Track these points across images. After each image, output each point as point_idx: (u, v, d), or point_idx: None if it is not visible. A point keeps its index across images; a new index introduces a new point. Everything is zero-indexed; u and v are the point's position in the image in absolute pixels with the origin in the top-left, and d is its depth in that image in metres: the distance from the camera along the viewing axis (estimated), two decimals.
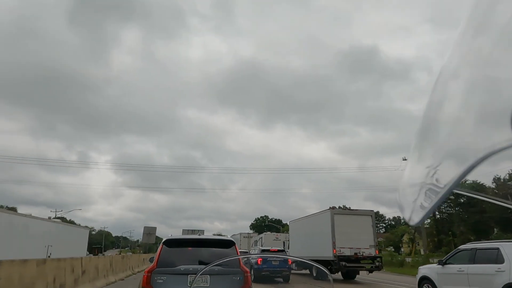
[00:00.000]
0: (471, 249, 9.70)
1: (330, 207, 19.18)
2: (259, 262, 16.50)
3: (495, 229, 53.56)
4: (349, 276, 19.81)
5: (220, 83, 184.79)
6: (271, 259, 17.20)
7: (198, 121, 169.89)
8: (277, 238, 31.99)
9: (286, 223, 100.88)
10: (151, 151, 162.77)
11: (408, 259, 29.41)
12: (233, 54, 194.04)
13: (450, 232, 50.24)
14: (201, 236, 7.45)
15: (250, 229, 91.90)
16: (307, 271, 24.35)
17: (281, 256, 21.57)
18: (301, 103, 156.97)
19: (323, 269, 2.37)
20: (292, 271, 24.52)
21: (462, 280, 9.33)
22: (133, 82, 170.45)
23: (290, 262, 18.36)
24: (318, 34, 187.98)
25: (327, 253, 18.44)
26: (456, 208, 53.80)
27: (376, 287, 16.55)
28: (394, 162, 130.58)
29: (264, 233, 35.29)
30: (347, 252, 18.17)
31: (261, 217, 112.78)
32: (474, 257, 9.31)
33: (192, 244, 6.52)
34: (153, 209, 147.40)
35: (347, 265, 17.72)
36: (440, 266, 10.29)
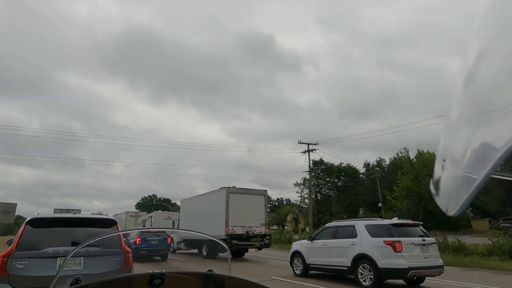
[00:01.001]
0: (334, 226, 11.15)
1: (223, 187, 18.48)
2: (137, 242, 16.72)
3: (360, 209, 61.05)
4: (238, 254, 19.54)
5: (108, 47, 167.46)
6: (150, 238, 17.54)
7: (80, 88, 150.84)
8: (169, 217, 30.22)
9: (176, 203, 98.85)
10: (15, 116, 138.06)
11: (296, 237, 31.07)
12: (125, 18, 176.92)
13: (328, 212, 55.27)
14: (76, 215, 6.64)
15: (136, 208, 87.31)
16: (196, 251, 23.54)
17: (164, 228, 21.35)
18: (196, 81, 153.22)
19: (221, 243, 2.23)
20: (181, 251, 23.46)
21: (325, 252, 10.65)
22: None
23: (169, 241, 19.03)
24: (219, 14, 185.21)
25: (220, 232, 17.73)
26: (335, 191, 59.37)
27: (258, 263, 16.53)
28: (282, 148, 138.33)
29: (155, 211, 33.13)
30: (239, 231, 17.76)
31: (148, 196, 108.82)
32: (336, 233, 10.68)
33: (64, 224, 5.88)
34: (16, 184, 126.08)
35: (238, 244, 17.34)
36: (309, 241, 11.50)
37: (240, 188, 18.68)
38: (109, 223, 6.16)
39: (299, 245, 12.22)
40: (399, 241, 9.03)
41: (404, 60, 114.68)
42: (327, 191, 60.52)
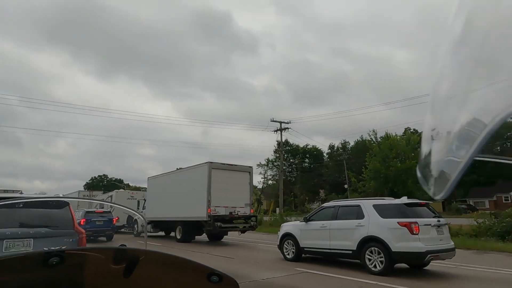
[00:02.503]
0: (334, 206, 10.08)
1: (205, 162, 16.11)
2: (81, 223, 16.22)
3: (321, 191, 61.35)
4: (216, 237, 17.52)
5: (48, 11, 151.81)
6: (95, 219, 18.10)
7: (14, 57, 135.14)
8: (132, 196, 27.29)
9: (128, 183, 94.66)
10: None
11: (266, 218, 29.65)
12: None
13: (292, 194, 54.65)
14: (23, 195, 6.74)
15: (84, 189, 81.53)
16: (162, 233, 21.13)
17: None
18: (147, 57, 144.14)
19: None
20: (149, 234, 20.89)
21: (324, 235, 9.66)
22: None
23: (114, 222, 19.47)
24: None
25: (200, 213, 15.50)
26: (299, 172, 58.78)
27: (238, 247, 14.66)
28: (234, 131, 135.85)
29: (115, 190, 29.98)
30: (222, 212, 15.64)
31: (98, 176, 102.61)
32: (336, 214, 9.68)
33: (10, 205, 5.33)
34: None
35: (222, 226, 15.21)
36: (303, 223, 10.48)
37: (224, 164, 16.43)
38: (60, 204, 5.80)
39: (291, 226, 11.08)
40: (416, 222, 8.18)
41: (355, 48, 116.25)
42: (291, 172, 59.76)
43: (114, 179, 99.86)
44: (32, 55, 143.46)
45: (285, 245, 10.80)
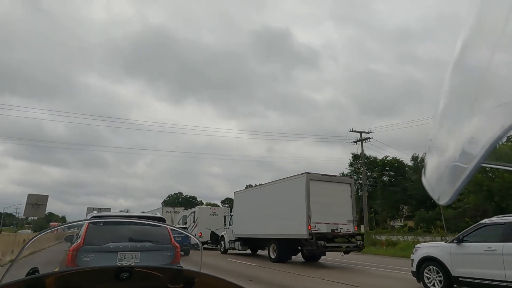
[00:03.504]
0: (504, 223, 7.67)
1: (302, 173, 14.63)
2: None
3: (404, 206, 56.17)
4: (313, 258, 15.81)
5: (126, 49, 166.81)
6: (174, 235, 16.67)
7: (100, 89, 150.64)
8: (214, 212, 26.88)
9: (201, 201, 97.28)
10: (42, 117, 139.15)
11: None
12: (141, 19, 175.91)
13: (372, 209, 50.79)
14: (129, 213, 7.78)
15: (162, 206, 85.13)
16: (249, 251, 19.98)
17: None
18: (212, 80, 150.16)
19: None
20: (234, 252, 19.94)
21: (492, 262, 7.32)
22: (12, 31, 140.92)
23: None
24: (231, 11, 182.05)
25: (298, 230, 13.99)
26: (378, 186, 54.74)
27: (347, 271, 12.60)
28: (299, 147, 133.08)
29: (198, 206, 29.92)
30: (323, 229, 13.96)
31: (174, 193, 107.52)
32: (510, 234, 7.34)
33: (120, 222, 6.11)
34: (46, 183, 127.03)
35: (326, 245, 13.48)
36: (453, 244, 8.30)
37: (322, 175, 14.84)
38: (159, 220, 6.31)
39: (433, 249, 8.85)
40: None
41: (425, 54, 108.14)
42: (370, 187, 55.82)
43: (188, 196, 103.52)
44: (113, 86, 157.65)
45: (426, 273, 8.69)
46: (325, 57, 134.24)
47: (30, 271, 1.43)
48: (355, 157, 57.73)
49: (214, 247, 26.20)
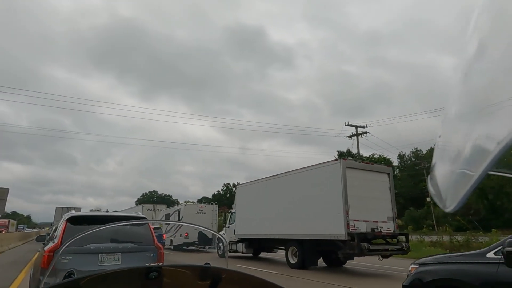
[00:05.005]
0: None
1: (336, 158, 12.01)
2: None
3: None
4: (338, 262, 13.26)
5: (92, 40, 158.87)
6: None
7: (67, 82, 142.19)
8: (201, 210, 23.93)
9: (176, 199, 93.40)
10: (2, 111, 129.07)
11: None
12: (109, 11, 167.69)
13: None
14: (110, 213, 7.19)
15: (136, 205, 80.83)
16: (251, 254, 17.19)
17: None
18: (185, 76, 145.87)
19: (221, 235, 2.15)
20: (235, 255, 17.07)
21: None
22: None
23: (164, 237, 19.15)
24: (204, 7, 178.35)
25: (333, 230, 11.36)
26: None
27: (388, 279, 10.19)
28: (273, 146, 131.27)
29: (183, 203, 26.85)
30: (363, 228, 11.40)
31: (149, 192, 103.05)
32: None
33: (100, 222, 5.37)
34: (7, 179, 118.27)
35: (371, 248, 10.89)
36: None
37: (359, 162, 12.28)
38: (141, 220, 6.01)
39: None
40: None
41: (394, 57, 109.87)
42: None
43: (164, 195, 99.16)
44: (81, 80, 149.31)
45: None
46: (299, 57, 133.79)
47: (67, 274, 1.54)
48: (340, 154, 56.10)
49: (202, 249, 23.39)
